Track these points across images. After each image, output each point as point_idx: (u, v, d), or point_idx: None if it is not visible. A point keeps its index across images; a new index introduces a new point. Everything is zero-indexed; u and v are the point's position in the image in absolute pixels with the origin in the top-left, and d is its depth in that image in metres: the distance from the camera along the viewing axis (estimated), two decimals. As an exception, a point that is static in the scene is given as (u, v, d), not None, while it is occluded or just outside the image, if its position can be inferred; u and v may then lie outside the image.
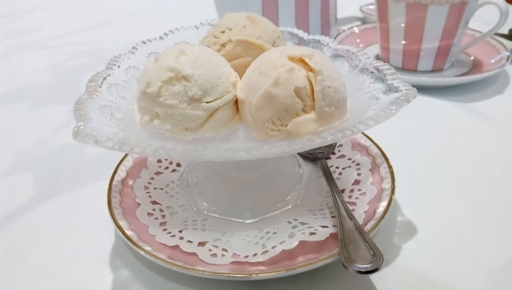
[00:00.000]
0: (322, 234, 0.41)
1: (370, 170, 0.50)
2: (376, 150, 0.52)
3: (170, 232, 0.43)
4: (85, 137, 0.34)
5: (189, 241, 0.42)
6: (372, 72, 0.46)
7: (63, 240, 0.47)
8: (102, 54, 1.00)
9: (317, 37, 0.53)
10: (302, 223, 0.44)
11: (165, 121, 0.39)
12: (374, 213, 0.43)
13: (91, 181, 0.56)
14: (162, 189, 0.51)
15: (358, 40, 0.91)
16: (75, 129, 0.35)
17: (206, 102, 0.39)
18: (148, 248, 0.40)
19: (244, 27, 0.46)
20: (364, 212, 0.44)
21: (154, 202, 0.48)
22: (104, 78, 0.44)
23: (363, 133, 0.55)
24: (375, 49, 0.88)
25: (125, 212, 0.45)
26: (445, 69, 0.79)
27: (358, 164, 0.52)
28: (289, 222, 0.44)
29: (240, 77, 0.44)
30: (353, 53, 0.49)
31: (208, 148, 0.33)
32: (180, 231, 0.44)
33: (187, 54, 0.40)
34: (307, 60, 0.38)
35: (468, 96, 0.72)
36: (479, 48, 0.81)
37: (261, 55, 0.41)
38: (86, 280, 0.42)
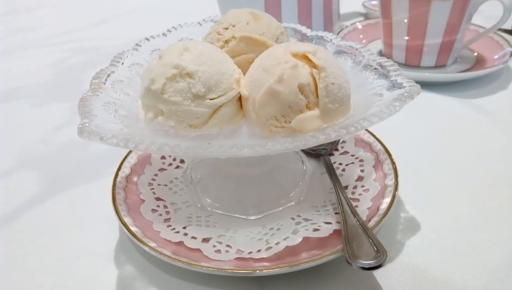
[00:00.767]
0: (326, 230, 0.41)
1: (373, 166, 0.50)
2: (379, 146, 0.52)
3: (174, 228, 0.44)
4: (90, 134, 0.34)
5: (193, 237, 0.42)
6: (375, 69, 0.46)
7: (67, 238, 0.47)
8: (103, 52, 1.00)
9: (320, 33, 0.53)
10: (306, 220, 0.44)
11: (169, 118, 0.39)
12: (378, 209, 0.43)
13: (93, 178, 0.57)
14: (166, 185, 0.51)
15: (361, 36, 0.91)
16: (80, 126, 0.36)
17: (210, 99, 0.39)
18: (152, 244, 0.40)
19: (247, 23, 0.46)
20: (368, 208, 0.44)
21: (158, 199, 0.48)
22: (108, 75, 0.45)
23: (366, 130, 0.55)
24: (378, 45, 0.88)
25: (129, 209, 0.45)
26: (448, 65, 0.79)
27: (361, 160, 0.52)
28: (293, 219, 0.44)
29: (244, 74, 0.44)
30: (356, 49, 0.49)
31: (212, 145, 0.33)
32: (184, 228, 0.44)
33: (190, 50, 0.40)
34: (310, 56, 0.38)
35: (471, 92, 0.72)
36: (482, 43, 0.81)
37: (265, 51, 0.42)
38: (90, 277, 0.42)
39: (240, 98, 0.42)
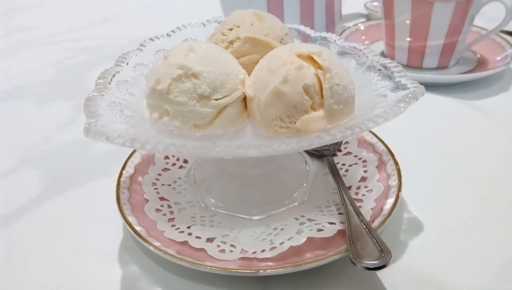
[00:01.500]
0: (330, 230, 0.41)
1: (376, 167, 0.50)
2: (382, 147, 0.52)
3: (178, 228, 0.44)
4: (96, 134, 0.34)
5: (197, 237, 0.42)
6: (379, 70, 0.46)
7: (70, 237, 0.47)
8: (104, 51, 1.00)
9: (323, 34, 0.54)
10: (309, 220, 0.44)
11: (174, 118, 0.40)
12: (381, 210, 0.43)
13: (97, 178, 0.57)
14: (169, 185, 0.51)
15: (363, 37, 0.91)
16: (86, 126, 0.36)
17: (215, 100, 0.39)
18: (157, 244, 0.40)
19: (251, 24, 0.46)
20: (371, 209, 0.44)
21: (162, 198, 0.49)
22: (113, 75, 0.45)
23: (369, 130, 0.55)
24: (380, 46, 0.88)
25: (133, 208, 0.46)
26: (450, 66, 0.79)
27: (364, 161, 0.52)
28: (296, 219, 0.44)
29: (249, 75, 0.44)
30: (360, 50, 0.49)
31: (218, 145, 0.34)
32: (188, 227, 0.44)
33: (196, 51, 0.40)
34: (315, 57, 0.38)
35: (473, 93, 0.72)
36: (484, 45, 0.81)
37: (270, 52, 0.42)
38: (95, 276, 0.42)
39: (245, 99, 0.42)
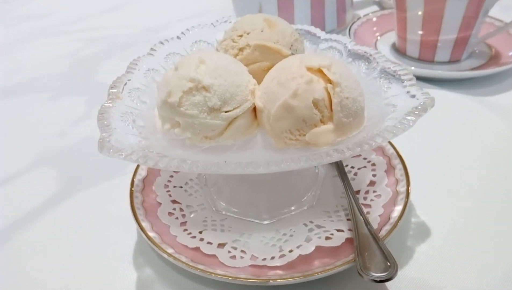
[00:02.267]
0: (338, 239, 0.42)
1: (385, 171, 0.51)
2: (391, 150, 0.53)
3: (190, 233, 0.45)
4: (110, 150, 0.35)
5: (209, 243, 0.44)
6: (389, 77, 0.46)
7: (86, 239, 0.49)
8: (115, 42, 1.01)
9: (334, 36, 0.53)
10: (318, 226, 0.45)
11: (185, 130, 0.40)
12: (389, 217, 0.44)
13: (110, 177, 0.58)
14: (181, 187, 0.52)
15: (374, 28, 0.90)
16: (100, 141, 0.37)
17: (225, 112, 0.40)
18: (170, 251, 0.42)
19: (261, 31, 0.46)
20: (379, 215, 0.45)
21: (174, 201, 0.50)
22: (125, 84, 0.45)
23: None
24: (392, 36, 0.87)
25: (146, 212, 0.47)
26: (462, 60, 0.78)
27: (373, 164, 0.52)
28: (305, 225, 0.45)
29: (258, 81, 0.44)
30: (370, 54, 0.49)
31: (229, 164, 0.34)
32: (200, 232, 0.45)
33: (206, 63, 0.40)
34: (325, 71, 0.38)
35: (485, 89, 0.72)
36: (498, 37, 0.80)
37: (279, 63, 0.42)
38: (110, 279, 0.44)
39: (255, 109, 0.42)
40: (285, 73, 0.39)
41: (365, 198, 0.48)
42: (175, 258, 0.41)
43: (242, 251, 0.43)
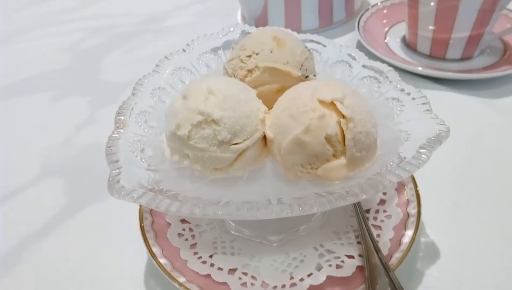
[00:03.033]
0: (349, 267, 0.42)
1: (396, 189, 0.50)
2: (402, 167, 0.52)
3: (201, 257, 0.45)
4: (121, 193, 0.35)
5: (219, 269, 0.44)
6: (402, 98, 0.45)
7: (96, 259, 0.49)
8: (116, 32, 0.99)
9: (347, 50, 0.52)
10: (329, 251, 0.45)
11: (195, 162, 0.40)
12: (400, 243, 0.44)
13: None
14: (190, 204, 0.52)
15: (384, 21, 0.87)
16: (110, 180, 0.36)
17: (235, 144, 0.39)
18: (181, 279, 0.42)
19: (271, 51, 0.45)
20: (390, 239, 0.45)
21: (183, 221, 0.50)
22: (132, 109, 0.44)
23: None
24: (402, 28, 0.84)
25: (157, 235, 0.47)
26: (474, 56, 0.76)
27: (383, 181, 0.52)
28: (316, 249, 0.45)
29: (267, 103, 0.43)
30: (383, 72, 0.48)
31: (241, 210, 0.34)
32: (210, 256, 0.45)
33: (215, 94, 0.39)
34: (338, 105, 0.37)
35: (496, 90, 0.70)
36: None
37: (290, 92, 0.41)
38: (124, 303, 0.45)
39: (265, 137, 0.41)
40: (297, 105, 0.38)
41: (375, 218, 0.48)
42: (186, 288, 0.41)
43: (253, 276, 0.43)
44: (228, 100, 0.39)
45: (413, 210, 0.47)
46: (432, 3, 0.70)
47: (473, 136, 0.62)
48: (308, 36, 0.54)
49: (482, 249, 0.47)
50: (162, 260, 0.44)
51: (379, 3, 0.90)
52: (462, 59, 0.75)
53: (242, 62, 0.46)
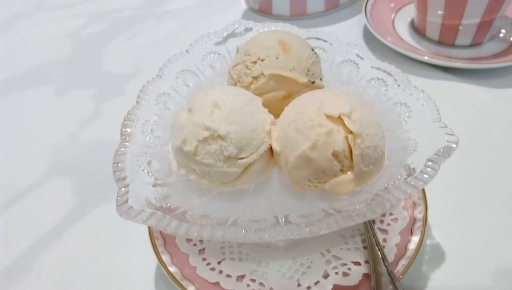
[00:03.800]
0: (355, 275, 0.43)
1: (402, 191, 0.50)
2: (409, 167, 0.52)
3: (209, 263, 0.46)
4: (129, 214, 0.35)
5: (228, 275, 0.45)
6: (411, 103, 0.44)
7: (106, 262, 0.50)
8: (119, 17, 0.96)
9: (352, 48, 0.50)
10: (335, 258, 0.45)
11: (201, 177, 0.40)
12: (406, 249, 0.44)
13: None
14: (197, 207, 0.52)
15: (392, 5, 0.84)
16: (118, 199, 0.36)
17: (241, 158, 0.39)
18: (191, 288, 0.43)
19: (276, 57, 0.44)
20: (396, 245, 0.45)
21: (191, 224, 0.50)
22: (137, 119, 0.44)
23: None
24: (410, 11, 0.82)
25: (166, 242, 0.48)
26: (484, 42, 0.74)
27: (390, 182, 0.52)
28: (323, 255, 0.46)
29: (273, 111, 0.43)
30: (391, 75, 0.47)
31: (249, 231, 0.34)
32: (219, 263, 0.46)
33: (221, 107, 0.39)
34: (346, 120, 0.37)
35: (506, 78, 0.68)
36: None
37: (296, 105, 0.40)
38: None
39: (271, 148, 0.41)
40: (304, 119, 0.38)
41: (381, 221, 0.48)
42: (196, 297, 0.42)
43: (260, 283, 0.44)
44: (234, 114, 0.39)
45: (419, 214, 0.47)
46: (443, -11, 0.68)
47: (482, 130, 0.61)
48: (314, 33, 0.53)
49: (491, 252, 0.47)
50: (172, 269, 0.45)
51: (386, -16, 0.87)
52: (472, 45, 0.73)
53: (247, 68, 0.45)
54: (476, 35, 0.71)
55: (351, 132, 0.37)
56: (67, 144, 0.67)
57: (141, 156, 0.42)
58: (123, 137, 0.42)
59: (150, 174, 0.41)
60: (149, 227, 0.48)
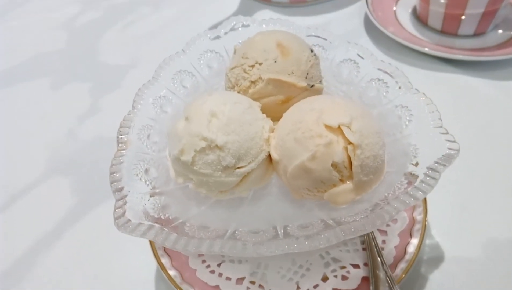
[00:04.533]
0: (354, 279, 0.43)
1: (402, 192, 0.50)
2: (409, 167, 0.51)
3: (209, 266, 0.46)
4: (127, 227, 0.35)
5: (228, 279, 0.45)
6: (412, 106, 0.43)
7: (109, 262, 0.51)
8: (114, 5, 0.94)
9: (356, 49, 0.49)
10: (334, 260, 0.46)
11: (199, 186, 0.39)
12: (405, 251, 0.45)
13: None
14: (196, 207, 0.52)
15: (393, -8, 0.82)
16: (115, 211, 0.36)
17: (239, 168, 0.39)
18: (191, 293, 0.43)
19: (275, 61, 0.43)
20: (395, 247, 0.45)
21: (190, 225, 0.50)
22: (133, 126, 0.43)
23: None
24: None
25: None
26: (488, 31, 0.72)
27: (390, 182, 0.51)
28: (322, 257, 0.46)
29: (271, 114, 0.42)
30: (392, 76, 0.46)
31: (248, 247, 0.34)
32: (218, 265, 0.46)
33: (218, 117, 0.38)
34: (345, 130, 0.36)
35: (509, 70, 0.67)
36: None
37: (295, 111, 0.39)
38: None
39: (269, 155, 0.41)
40: (302, 129, 0.37)
41: (380, 223, 0.48)
42: (196, 302, 0.43)
43: (260, 285, 0.45)
44: (232, 123, 0.38)
45: (419, 216, 0.47)
46: (446, -22, 0.66)
47: (484, 126, 0.60)
48: (314, 30, 0.52)
49: (490, 252, 0.47)
50: (172, 272, 0.45)
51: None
52: (475, 34, 0.72)
53: (245, 72, 0.44)
54: (480, 25, 0.70)
55: (350, 142, 0.36)
56: (64, 141, 0.66)
57: (138, 164, 0.41)
58: (119, 145, 0.42)
59: (147, 182, 0.41)
60: (148, 231, 0.48)
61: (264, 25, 0.53)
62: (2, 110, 0.73)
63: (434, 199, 0.50)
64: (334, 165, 0.36)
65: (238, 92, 0.44)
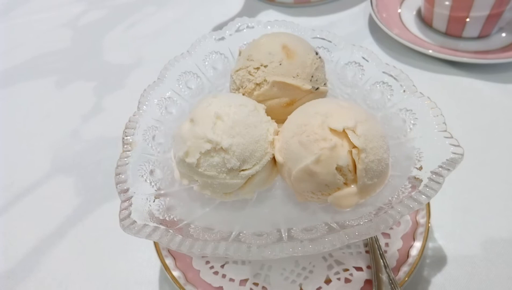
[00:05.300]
0: (357, 282, 0.43)
1: (405, 195, 0.50)
2: (412, 170, 0.51)
3: (212, 267, 0.47)
4: (133, 229, 0.35)
5: (231, 280, 0.45)
6: (417, 110, 0.43)
7: (113, 262, 0.51)
8: (119, 4, 0.94)
9: (358, 50, 0.49)
10: (337, 262, 0.46)
11: (204, 188, 0.40)
12: (408, 255, 0.45)
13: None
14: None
15: (398, -7, 0.82)
16: (121, 212, 0.36)
17: (244, 170, 0.39)
18: (195, 294, 0.44)
19: (280, 63, 0.43)
20: (398, 250, 0.46)
21: (194, 226, 0.51)
22: (139, 127, 0.43)
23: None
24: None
25: (169, 245, 0.48)
26: (492, 34, 0.72)
27: (393, 185, 0.52)
28: (324, 259, 0.46)
29: (276, 116, 0.42)
30: (396, 80, 0.46)
31: (252, 250, 0.34)
32: (222, 266, 0.47)
33: (223, 119, 0.38)
34: (350, 134, 0.36)
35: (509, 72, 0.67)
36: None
37: (300, 114, 0.40)
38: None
39: (274, 158, 0.41)
40: (307, 133, 0.37)
41: (384, 225, 0.49)
42: (200, 303, 0.43)
43: (263, 287, 0.45)
44: (237, 126, 0.38)
45: (422, 219, 0.47)
46: (451, -20, 0.66)
47: (488, 128, 0.60)
48: (318, 33, 0.52)
49: (492, 255, 0.47)
50: (176, 273, 0.45)
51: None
52: (480, 37, 0.71)
53: (250, 74, 0.44)
54: (484, 27, 0.70)
55: (355, 146, 0.36)
56: (68, 141, 0.66)
57: (143, 165, 0.42)
58: (125, 146, 0.42)
59: (152, 183, 0.41)
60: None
61: (269, 27, 0.53)
62: (5, 109, 0.74)
63: (438, 202, 0.50)
64: (339, 169, 0.37)
65: (243, 94, 0.44)
